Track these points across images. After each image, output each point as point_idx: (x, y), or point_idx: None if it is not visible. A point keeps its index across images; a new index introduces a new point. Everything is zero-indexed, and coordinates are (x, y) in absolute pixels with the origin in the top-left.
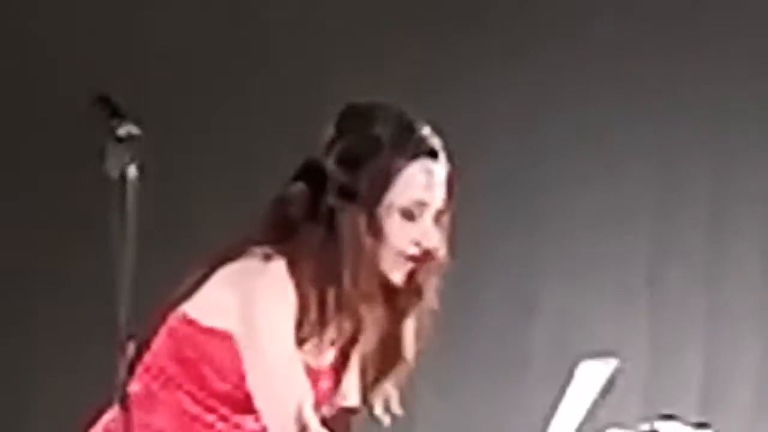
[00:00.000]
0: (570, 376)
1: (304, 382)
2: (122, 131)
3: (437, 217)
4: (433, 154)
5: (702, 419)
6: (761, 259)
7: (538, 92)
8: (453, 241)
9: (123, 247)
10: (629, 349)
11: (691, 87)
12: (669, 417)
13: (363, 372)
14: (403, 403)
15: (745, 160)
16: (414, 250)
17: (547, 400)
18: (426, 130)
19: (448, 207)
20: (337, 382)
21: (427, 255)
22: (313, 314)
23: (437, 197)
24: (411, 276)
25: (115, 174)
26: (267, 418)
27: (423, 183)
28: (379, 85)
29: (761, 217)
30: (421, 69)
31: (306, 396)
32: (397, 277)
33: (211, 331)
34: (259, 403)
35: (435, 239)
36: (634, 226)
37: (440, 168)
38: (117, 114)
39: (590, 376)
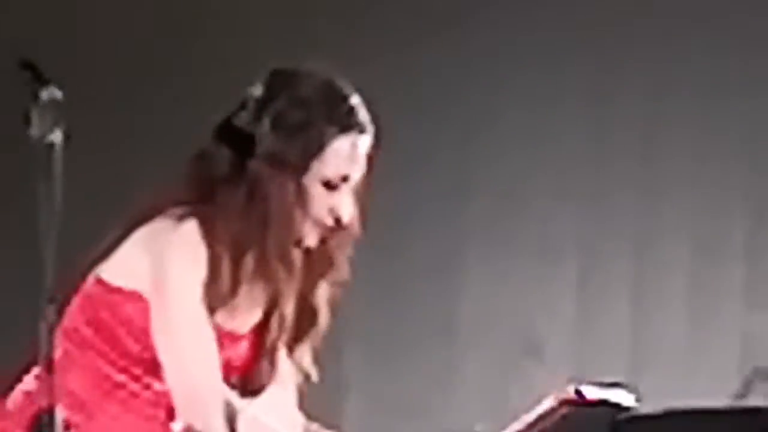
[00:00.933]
0: (497, 341)
1: (211, 346)
2: (45, 96)
3: (354, 189)
4: (361, 128)
5: (630, 382)
6: (691, 224)
7: (465, 63)
8: (365, 214)
9: (48, 211)
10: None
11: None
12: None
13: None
14: (331, 369)
15: (677, 122)
16: (329, 220)
17: (475, 365)
18: (356, 102)
19: (365, 180)
20: (257, 347)
21: (339, 225)
22: (226, 276)
23: (358, 170)
24: (323, 245)
25: (39, 139)
26: (170, 380)
27: (348, 156)
28: (309, 54)
29: (691, 181)
30: (347, 37)
31: (214, 358)
32: (312, 242)
33: (122, 292)
34: (163, 363)
35: (350, 211)
36: (564, 191)
37: (365, 142)
38: (40, 79)
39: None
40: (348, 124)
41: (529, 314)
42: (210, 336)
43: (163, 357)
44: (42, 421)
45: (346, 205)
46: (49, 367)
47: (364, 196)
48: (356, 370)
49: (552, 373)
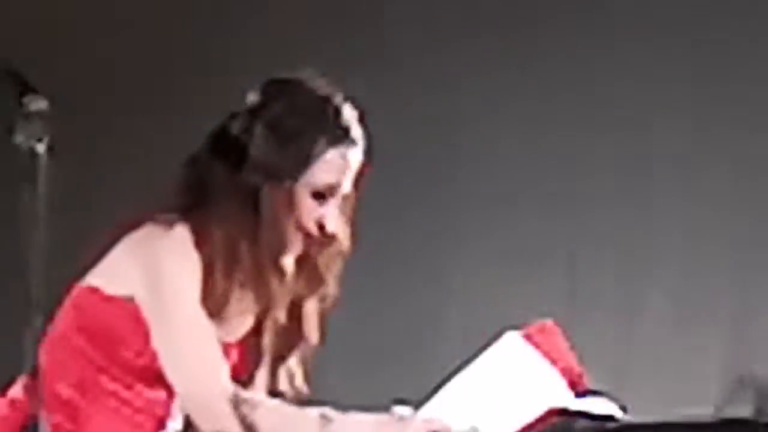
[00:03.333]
0: (485, 347)
1: (214, 345)
2: (32, 106)
3: (342, 203)
4: (352, 141)
5: (616, 390)
6: (678, 233)
7: (452, 72)
8: (355, 230)
9: (33, 221)
10: None
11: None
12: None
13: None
14: (309, 381)
15: (669, 125)
16: (315, 231)
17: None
18: (350, 116)
19: (354, 195)
20: (244, 356)
21: (323, 235)
22: (219, 283)
23: (347, 184)
24: (313, 261)
25: (25, 149)
26: (175, 383)
27: (338, 168)
28: (303, 64)
29: (682, 187)
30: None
31: (217, 357)
32: (296, 251)
33: (114, 300)
34: (167, 368)
35: (336, 223)
36: (554, 197)
37: (356, 155)
38: (27, 89)
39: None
40: (340, 135)
41: (518, 320)
42: (213, 337)
43: (167, 363)
44: (28, 429)
45: (332, 217)
46: (35, 375)
47: (354, 211)
48: (341, 377)
49: None
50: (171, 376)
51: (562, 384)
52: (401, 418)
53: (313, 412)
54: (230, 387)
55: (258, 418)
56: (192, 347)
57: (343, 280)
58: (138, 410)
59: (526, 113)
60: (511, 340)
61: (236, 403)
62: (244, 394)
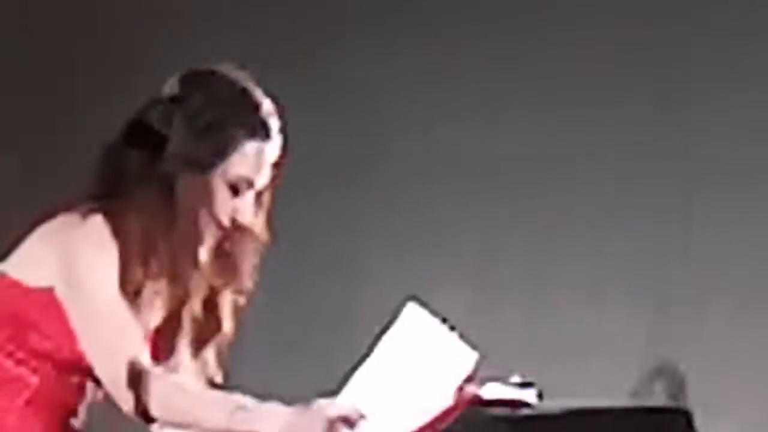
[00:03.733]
0: None
1: (135, 327)
2: None
3: (257, 196)
4: (269, 135)
5: (530, 379)
6: (592, 222)
7: (372, 69)
8: (272, 224)
9: None
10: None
11: None
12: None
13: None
14: (223, 371)
15: (569, 126)
16: (228, 223)
17: None
18: (268, 109)
19: (269, 189)
20: (156, 347)
21: (236, 227)
22: (135, 272)
23: (263, 177)
24: (228, 253)
25: None
26: (98, 369)
27: (255, 162)
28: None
29: (587, 180)
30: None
31: (138, 341)
32: (209, 242)
33: (30, 290)
34: (89, 353)
35: (250, 216)
36: (463, 187)
37: (272, 149)
38: None
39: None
40: (257, 129)
41: (427, 311)
42: (133, 321)
43: (89, 348)
44: None
45: (246, 210)
46: None
47: (270, 204)
48: (255, 371)
49: None
50: (93, 360)
51: (463, 346)
52: (318, 407)
53: (228, 398)
54: (150, 367)
55: (174, 398)
56: (112, 331)
57: (260, 271)
58: (45, 394)
59: (433, 95)
60: (412, 311)
61: (154, 383)
62: (163, 374)
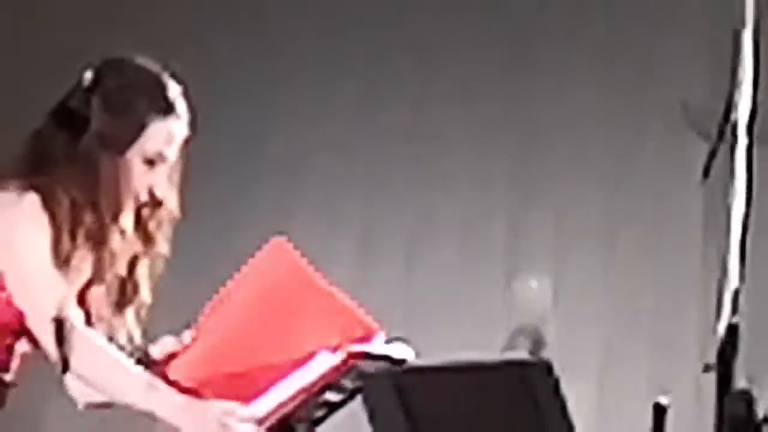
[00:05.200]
0: None
1: (63, 285)
2: None
3: (169, 172)
4: (177, 114)
5: (406, 336)
6: (463, 190)
7: (286, 52)
8: (183, 197)
9: None
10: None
11: None
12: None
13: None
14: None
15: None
16: (145, 196)
17: None
18: (175, 91)
19: (180, 164)
20: (88, 311)
21: (153, 199)
22: (65, 242)
23: (173, 154)
24: (144, 223)
25: None
26: (30, 321)
27: (165, 138)
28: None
29: (461, 159)
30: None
31: (67, 299)
32: (129, 215)
33: None
34: (31, 323)
35: (164, 189)
36: (349, 160)
37: (181, 129)
38: None
39: None
40: (166, 108)
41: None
42: (62, 281)
43: (23, 306)
44: None
45: (161, 182)
46: None
47: (181, 179)
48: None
49: None
50: (34, 328)
51: (329, 292)
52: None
53: (143, 374)
54: (79, 324)
55: (94, 358)
56: (43, 288)
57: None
58: None
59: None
60: (277, 245)
61: (78, 339)
62: (90, 334)
